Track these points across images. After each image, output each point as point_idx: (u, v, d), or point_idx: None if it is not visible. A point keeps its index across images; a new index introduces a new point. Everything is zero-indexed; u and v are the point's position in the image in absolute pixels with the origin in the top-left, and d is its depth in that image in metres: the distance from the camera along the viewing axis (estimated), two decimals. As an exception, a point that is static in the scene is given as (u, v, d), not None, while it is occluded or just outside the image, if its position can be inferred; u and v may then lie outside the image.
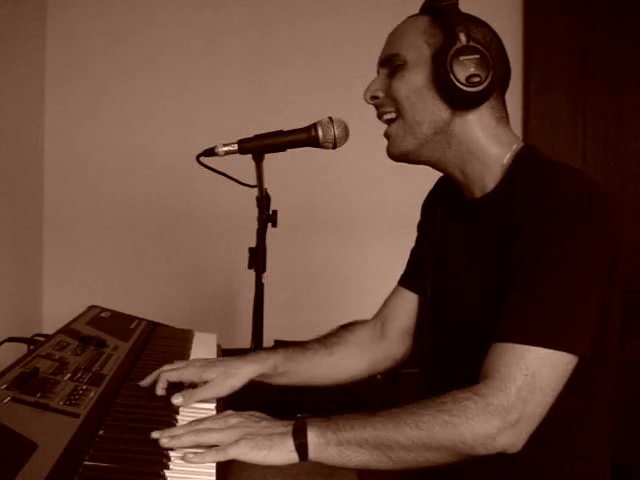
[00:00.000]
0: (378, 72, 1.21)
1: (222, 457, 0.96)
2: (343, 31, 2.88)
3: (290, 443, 0.97)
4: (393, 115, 1.17)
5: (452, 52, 1.08)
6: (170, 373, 1.21)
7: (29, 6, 2.45)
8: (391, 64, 1.16)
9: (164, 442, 0.96)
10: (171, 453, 0.94)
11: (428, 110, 1.14)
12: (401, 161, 1.21)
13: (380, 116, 1.20)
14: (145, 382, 1.22)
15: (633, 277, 1.09)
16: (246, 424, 1.01)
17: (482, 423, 0.94)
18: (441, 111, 1.13)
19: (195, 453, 0.95)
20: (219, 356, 1.57)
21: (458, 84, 1.09)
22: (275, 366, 1.28)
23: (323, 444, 0.97)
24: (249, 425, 1.00)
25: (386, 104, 1.18)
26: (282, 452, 0.96)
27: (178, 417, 1.10)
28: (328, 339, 1.38)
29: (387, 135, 1.20)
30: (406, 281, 1.38)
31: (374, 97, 1.19)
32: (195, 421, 1.04)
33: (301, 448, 0.96)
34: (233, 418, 1.03)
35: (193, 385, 1.21)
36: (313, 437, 0.97)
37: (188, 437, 0.97)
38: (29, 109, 2.53)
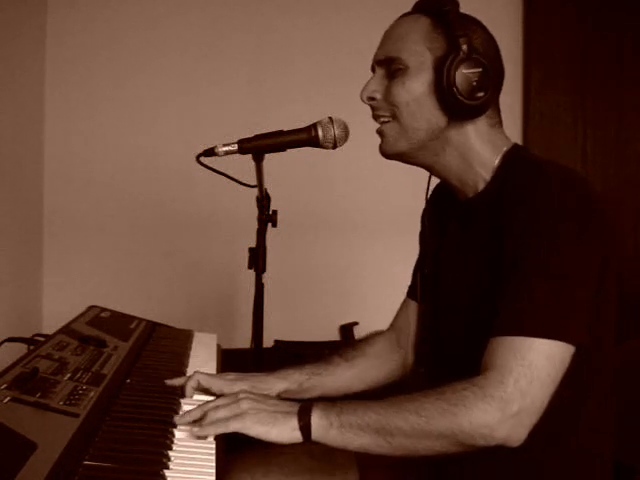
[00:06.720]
0: (373, 69, 1.20)
1: (224, 429, 1.01)
2: (343, 31, 2.88)
3: (294, 422, 1.01)
4: (390, 119, 1.17)
5: (455, 64, 1.08)
6: (203, 376, 1.25)
7: (29, 6, 2.45)
8: (390, 66, 1.16)
9: (176, 419, 1.05)
10: (171, 453, 0.94)
11: (425, 118, 1.14)
12: (393, 159, 1.22)
13: (376, 117, 1.20)
14: (172, 382, 1.25)
15: (632, 278, 1.08)
16: (253, 400, 1.06)
17: (480, 412, 0.95)
18: (438, 119, 1.14)
19: (200, 427, 1.01)
20: (219, 356, 1.57)
21: (460, 97, 1.09)
22: (301, 382, 1.33)
23: (326, 426, 1.01)
24: (256, 401, 1.06)
25: (383, 107, 1.17)
26: (285, 429, 1.01)
27: (178, 417, 1.10)
28: (349, 352, 1.42)
29: (380, 133, 1.20)
30: (412, 293, 1.40)
31: (371, 98, 1.18)
32: (208, 402, 1.09)
33: (305, 428, 1.01)
34: (242, 394, 1.08)
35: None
36: (316, 418, 1.01)
37: (196, 412, 1.05)
38: (29, 109, 2.53)
